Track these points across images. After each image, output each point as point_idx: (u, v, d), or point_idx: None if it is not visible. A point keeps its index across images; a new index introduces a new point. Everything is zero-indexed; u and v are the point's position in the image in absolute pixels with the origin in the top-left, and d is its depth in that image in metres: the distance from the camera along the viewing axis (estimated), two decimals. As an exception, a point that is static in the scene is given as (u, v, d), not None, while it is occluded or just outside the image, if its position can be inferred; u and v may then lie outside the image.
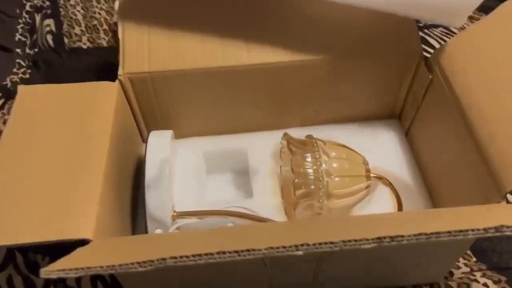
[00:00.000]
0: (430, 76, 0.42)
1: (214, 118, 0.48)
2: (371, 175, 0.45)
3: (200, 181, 0.46)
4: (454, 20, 0.37)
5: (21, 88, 0.41)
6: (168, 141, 0.42)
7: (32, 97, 0.40)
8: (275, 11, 0.44)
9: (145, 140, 0.50)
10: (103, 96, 0.40)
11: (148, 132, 0.49)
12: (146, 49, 0.42)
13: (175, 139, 0.48)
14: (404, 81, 0.46)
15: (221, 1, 0.44)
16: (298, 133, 0.49)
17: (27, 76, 0.66)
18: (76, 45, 0.72)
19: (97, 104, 0.40)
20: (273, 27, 0.43)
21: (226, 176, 0.50)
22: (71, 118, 0.39)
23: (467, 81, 0.38)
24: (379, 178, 0.46)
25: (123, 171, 0.41)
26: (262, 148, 0.48)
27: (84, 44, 0.73)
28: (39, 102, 0.40)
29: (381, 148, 0.49)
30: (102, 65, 0.68)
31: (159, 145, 0.41)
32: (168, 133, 0.43)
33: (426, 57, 0.44)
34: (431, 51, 0.60)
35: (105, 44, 0.73)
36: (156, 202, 0.38)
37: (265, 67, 0.43)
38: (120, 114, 0.41)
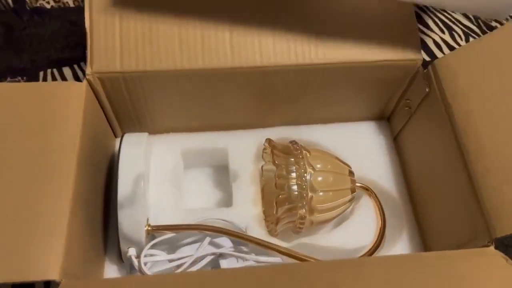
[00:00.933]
0: (427, 89, 0.39)
1: (193, 115, 0.44)
2: (357, 184, 0.43)
3: (177, 185, 0.44)
4: (502, 11, 0.33)
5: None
6: (142, 151, 0.38)
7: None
8: (267, 10, 0.39)
9: (117, 135, 0.46)
10: (70, 99, 0.36)
11: (121, 128, 0.45)
12: (118, 44, 0.38)
13: (151, 135, 0.45)
14: (398, 88, 0.43)
15: (204, -6, 0.38)
16: (281, 132, 0.47)
17: (-16, 42, 0.59)
18: (38, 4, 0.65)
19: (63, 108, 0.36)
20: (262, 26, 0.39)
21: (204, 177, 0.47)
22: (34, 125, 0.35)
23: (467, 105, 0.36)
24: (365, 188, 0.44)
25: (94, 180, 0.38)
26: (243, 149, 0.45)
27: (48, 3, 0.65)
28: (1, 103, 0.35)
29: (368, 153, 0.47)
30: (69, 32, 0.61)
31: (133, 158, 0.37)
32: (143, 139, 0.40)
33: (425, 64, 0.41)
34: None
35: (71, 3, 0.66)
36: (129, 222, 0.36)
37: (251, 71, 0.39)
38: (89, 117, 0.37)
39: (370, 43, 0.39)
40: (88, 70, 0.37)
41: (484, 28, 0.70)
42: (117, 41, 0.38)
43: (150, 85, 0.39)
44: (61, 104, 0.36)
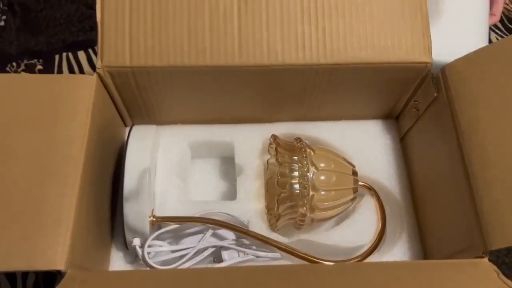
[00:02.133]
0: (435, 94, 0.39)
1: (200, 108, 0.45)
2: (360, 183, 0.44)
3: (182, 176, 0.45)
4: None
5: (-12, 77, 0.37)
6: (149, 145, 0.39)
7: (3, 88, 0.37)
8: (276, 9, 0.39)
9: (127, 124, 0.47)
10: (80, 91, 0.37)
11: (131, 118, 0.46)
12: (127, 39, 0.38)
13: (159, 125, 0.46)
14: (407, 89, 0.43)
15: (214, -9, 0.38)
16: (288, 128, 0.47)
17: (2, 23, 0.60)
18: (55, -14, 0.66)
19: (73, 100, 0.37)
20: (271, 25, 0.39)
21: (210, 168, 0.48)
22: (45, 116, 0.36)
23: (474, 113, 0.35)
24: (368, 188, 0.45)
25: (102, 169, 0.40)
26: (249, 143, 0.46)
27: (65, -16, 0.66)
28: (11, 95, 0.36)
29: (374, 151, 0.47)
30: (84, 16, 0.62)
31: (140, 151, 0.38)
32: (151, 132, 0.41)
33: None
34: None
35: (88, -15, 0.66)
36: (134, 214, 0.37)
37: (258, 69, 0.39)
38: (99, 109, 0.38)
39: (379, 44, 0.39)
40: (98, 64, 0.38)
41: (507, 22, 0.68)
42: (127, 35, 0.38)
43: (158, 79, 0.40)
44: (72, 96, 0.37)
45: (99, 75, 0.38)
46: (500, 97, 0.35)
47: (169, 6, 0.38)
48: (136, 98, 0.42)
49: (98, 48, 0.38)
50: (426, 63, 0.39)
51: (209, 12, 0.38)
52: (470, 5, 0.46)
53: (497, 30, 0.66)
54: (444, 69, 0.38)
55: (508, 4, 0.71)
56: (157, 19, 0.38)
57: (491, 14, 0.49)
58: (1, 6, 0.62)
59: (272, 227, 0.43)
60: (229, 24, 0.38)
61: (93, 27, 0.62)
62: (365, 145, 0.47)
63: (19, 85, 0.37)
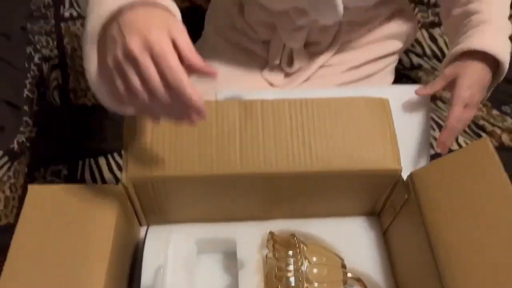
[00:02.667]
0: (405, 196, 0.46)
1: (207, 208, 0.52)
2: (349, 275, 0.49)
3: (190, 271, 0.50)
4: None
5: (31, 188, 0.44)
6: (162, 248, 0.45)
7: (42, 198, 0.44)
8: (270, 127, 0.47)
9: (142, 223, 0.54)
10: (106, 200, 0.44)
11: (145, 217, 0.53)
12: (148, 156, 0.46)
13: (170, 224, 0.52)
14: (383, 191, 0.50)
15: (220, 115, 0.47)
16: (284, 225, 0.54)
17: (33, 135, 0.69)
18: (81, 102, 0.76)
19: (102, 207, 0.44)
20: (266, 140, 0.47)
21: (215, 263, 0.53)
22: (77, 221, 0.43)
23: (438, 212, 0.42)
24: (356, 279, 0.50)
25: (122, 266, 0.45)
26: (250, 239, 0.52)
27: (89, 100, 0.77)
28: (48, 203, 0.44)
29: (361, 245, 0.53)
30: (106, 127, 0.71)
31: (155, 254, 0.44)
32: (164, 235, 0.47)
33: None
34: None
35: (109, 100, 0.77)
36: (149, 308, 0.42)
37: (256, 176, 0.46)
38: (122, 213, 0.45)
39: (357, 155, 0.47)
40: (123, 176, 0.45)
41: (473, 126, 0.77)
42: (147, 154, 0.46)
43: (172, 187, 0.47)
44: (99, 204, 0.44)
45: (123, 185, 0.46)
46: (459, 200, 0.42)
47: (183, 129, 0.47)
48: (151, 202, 0.49)
49: (124, 163, 0.46)
50: (397, 170, 0.47)
51: (215, 131, 0.47)
52: (413, 129, 0.59)
53: (465, 134, 0.76)
54: (412, 175, 0.46)
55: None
56: (173, 140, 0.46)
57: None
58: (33, 120, 0.72)
59: (272, 318, 0.47)
60: (231, 140, 0.47)
61: (114, 136, 0.71)
62: (352, 240, 0.53)
63: (58, 195, 0.44)
